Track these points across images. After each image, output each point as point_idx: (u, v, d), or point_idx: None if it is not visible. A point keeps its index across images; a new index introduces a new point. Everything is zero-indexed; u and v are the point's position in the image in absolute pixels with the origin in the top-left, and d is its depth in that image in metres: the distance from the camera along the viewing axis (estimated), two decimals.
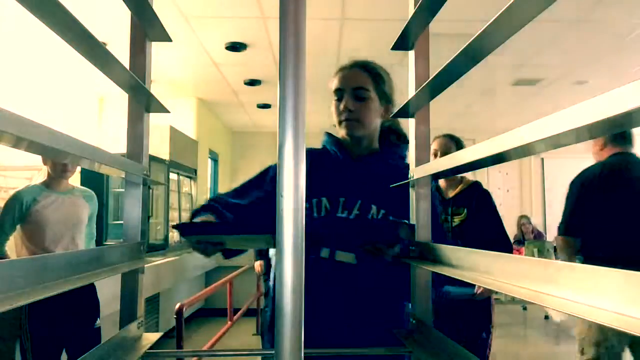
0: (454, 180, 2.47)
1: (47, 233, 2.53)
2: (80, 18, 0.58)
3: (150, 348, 0.90)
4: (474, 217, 2.33)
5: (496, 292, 2.42)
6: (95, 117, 5.69)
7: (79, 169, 2.71)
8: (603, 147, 2.48)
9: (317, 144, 1.40)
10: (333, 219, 1.23)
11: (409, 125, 1.04)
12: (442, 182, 2.52)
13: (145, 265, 0.98)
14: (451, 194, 2.46)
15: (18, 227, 2.55)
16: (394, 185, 1.06)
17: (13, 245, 2.63)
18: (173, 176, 5.43)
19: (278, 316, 0.37)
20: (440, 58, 0.79)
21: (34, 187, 2.59)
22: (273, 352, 0.37)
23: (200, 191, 6.32)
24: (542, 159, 8.25)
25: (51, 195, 2.58)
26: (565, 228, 2.37)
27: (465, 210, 2.34)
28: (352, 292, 1.19)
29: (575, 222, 2.35)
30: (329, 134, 1.36)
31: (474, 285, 1.98)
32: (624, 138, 2.43)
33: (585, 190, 2.34)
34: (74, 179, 2.85)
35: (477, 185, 2.45)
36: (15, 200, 2.52)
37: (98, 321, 2.65)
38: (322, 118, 2.92)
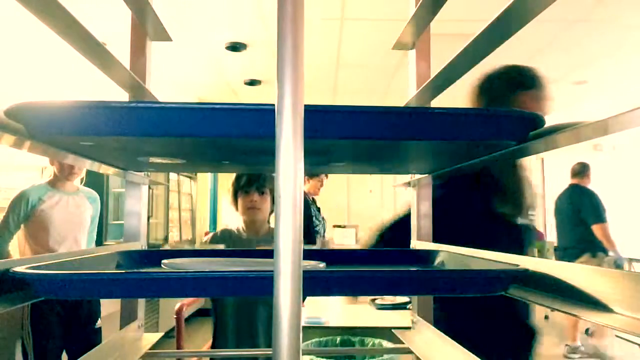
0: None
1: (51, 233, 2.53)
2: (80, 18, 0.58)
3: (151, 348, 0.90)
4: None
5: None
6: None
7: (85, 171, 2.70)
8: None
9: None
10: None
11: None
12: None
13: None
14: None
15: (22, 226, 2.55)
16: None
17: (16, 244, 2.63)
18: (173, 176, 5.43)
19: (276, 316, 0.37)
20: (440, 58, 0.79)
21: (40, 187, 2.58)
22: (271, 352, 0.37)
23: (200, 191, 6.31)
24: (542, 159, 8.25)
25: (56, 195, 2.58)
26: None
27: None
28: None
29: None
30: None
31: None
32: None
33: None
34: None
35: None
36: (21, 198, 2.51)
37: (98, 321, 2.65)
38: None
